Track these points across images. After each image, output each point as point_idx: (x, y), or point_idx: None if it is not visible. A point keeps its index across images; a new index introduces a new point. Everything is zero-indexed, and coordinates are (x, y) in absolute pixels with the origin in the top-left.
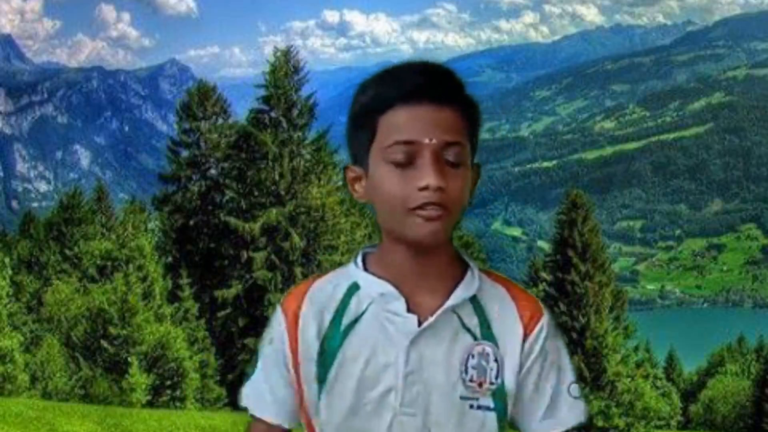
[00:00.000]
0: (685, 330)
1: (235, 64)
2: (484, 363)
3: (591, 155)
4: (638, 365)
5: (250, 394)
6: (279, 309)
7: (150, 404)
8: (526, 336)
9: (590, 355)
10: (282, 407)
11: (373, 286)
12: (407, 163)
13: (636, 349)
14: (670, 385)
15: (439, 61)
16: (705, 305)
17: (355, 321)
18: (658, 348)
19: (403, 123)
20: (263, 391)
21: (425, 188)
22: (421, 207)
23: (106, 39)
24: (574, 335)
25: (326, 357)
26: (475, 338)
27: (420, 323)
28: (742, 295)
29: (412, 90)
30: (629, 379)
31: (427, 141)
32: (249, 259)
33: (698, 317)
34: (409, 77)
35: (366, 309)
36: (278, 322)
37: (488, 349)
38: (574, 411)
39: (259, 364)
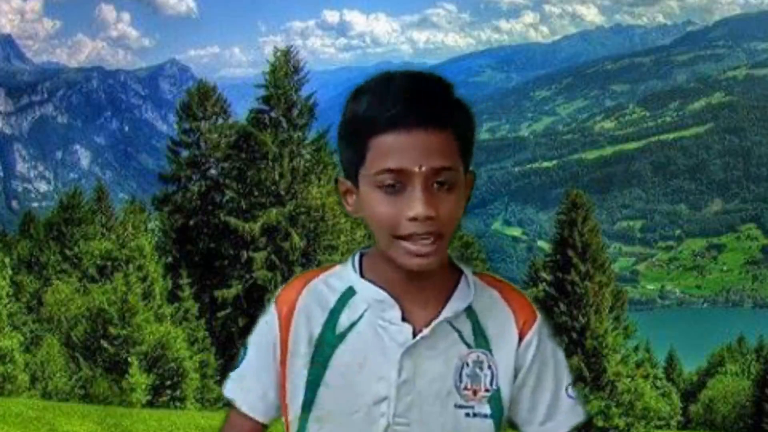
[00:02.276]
0: (685, 330)
1: (235, 64)
2: (478, 371)
3: (591, 155)
4: (638, 365)
5: (236, 387)
6: (273, 305)
7: (150, 404)
8: (520, 341)
9: (590, 355)
10: (267, 404)
11: (369, 292)
12: (397, 190)
13: (636, 349)
14: (670, 385)
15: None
16: (705, 305)
17: (350, 327)
18: (658, 348)
19: (391, 150)
20: (250, 386)
21: (414, 219)
22: (410, 237)
23: (106, 39)
24: (574, 335)
25: (319, 361)
26: (469, 346)
27: (414, 333)
28: (742, 295)
29: (400, 114)
30: (629, 379)
31: (416, 169)
32: (249, 259)
33: (698, 317)
34: (398, 99)
35: (361, 316)
36: (272, 319)
37: (482, 357)
38: (573, 412)
39: (248, 358)
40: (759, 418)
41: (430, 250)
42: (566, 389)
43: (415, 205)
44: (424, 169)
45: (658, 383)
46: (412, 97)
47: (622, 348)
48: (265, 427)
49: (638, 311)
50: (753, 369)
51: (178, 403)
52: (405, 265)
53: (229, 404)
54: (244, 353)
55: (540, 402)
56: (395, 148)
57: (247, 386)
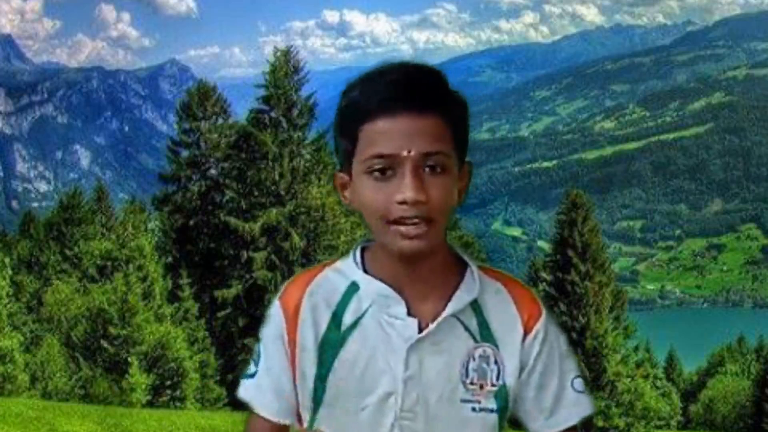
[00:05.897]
0: (685, 330)
1: (235, 64)
2: (484, 365)
3: (591, 155)
4: (638, 365)
5: (250, 388)
6: (278, 303)
7: (150, 404)
8: (525, 335)
9: (590, 355)
10: (284, 404)
11: (373, 287)
12: (387, 175)
13: (636, 349)
14: (670, 385)
15: (430, 61)
16: (705, 305)
17: (355, 323)
18: (658, 348)
19: (380, 135)
20: (265, 387)
21: (403, 202)
22: (400, 221)
23: (106, 39)
24: (574, 335)
25: (325, 358)
26: (475, 340)
27: (420, 327)
28: (742, 295)
29: (389, 100)
30: (629, 379)
31: (405, 153)
32: (249, 259)
33: (698, 317)
34: (387, 85)
35: (366, 311)
36: (278, 319)
37: (488, 351)
38: (579, 406)
39: (261, 359)
40: (759, 418)
41: (419, 232)
42: (572, 382)
43: (405, 189)
44: (412, 153)
45: (658, 383)
46: (401, 84)
47: (622, 348)
48: (285, 428)
49: (638, 311)
50: (753, 369)
51: (178, 403)
52: (396, 249)
53: (246, 408)
54: (258, 356)
55: (546, 397)
56: (384, 134)
57: (262, 388)
